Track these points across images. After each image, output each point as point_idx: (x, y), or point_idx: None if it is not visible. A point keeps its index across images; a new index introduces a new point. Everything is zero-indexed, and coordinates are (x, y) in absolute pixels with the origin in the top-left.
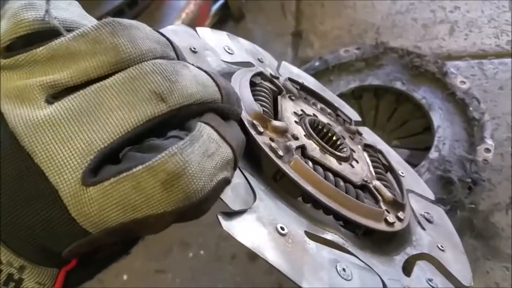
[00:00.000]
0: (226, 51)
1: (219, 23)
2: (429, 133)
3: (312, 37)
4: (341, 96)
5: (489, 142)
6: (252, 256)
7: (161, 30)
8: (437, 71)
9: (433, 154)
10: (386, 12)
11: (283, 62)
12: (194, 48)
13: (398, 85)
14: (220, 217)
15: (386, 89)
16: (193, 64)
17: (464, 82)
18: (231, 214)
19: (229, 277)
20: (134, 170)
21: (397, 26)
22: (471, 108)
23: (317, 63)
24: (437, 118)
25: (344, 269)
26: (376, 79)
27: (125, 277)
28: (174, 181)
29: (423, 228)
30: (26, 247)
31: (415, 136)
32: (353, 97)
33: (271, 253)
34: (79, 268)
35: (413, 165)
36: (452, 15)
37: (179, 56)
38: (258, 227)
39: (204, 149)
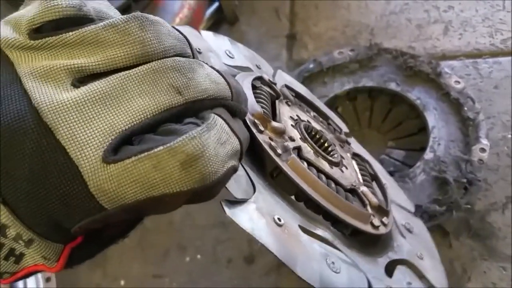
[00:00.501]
0: (227, 55)
1: (213, 26)
2: (424, 134)
3: (306, 39)
4: (336, 98)
5: (484, 142)
6: (249, 260)
7: None
8: (431, 72)
9: (428, 154)
10: (380, 13)
11: (279, 70)
12: (199, 49)
13: (393, 86)
14: (224, 204)
15: (380, 90)
16: (206, 63)
17: (459, 82)
18: (233, 203)
19: (226, 281)
20: (156, 150)
21: (391, 26)
22: (465, 108)
23: (311, 65)
24: (432, 118)
25: (333, 263)
26: (370, 80)
27: (122, 282)
28: (192, 162)
29: (404, 237)
30: (38, 221)
31: (410, 136)
32: (347, 98)
33: (269, 240)
34: (83, 246)
35: (409, 166)
36: (446, 15)
37: (193, 53)
38: (258, 216)
39: (218, 137)
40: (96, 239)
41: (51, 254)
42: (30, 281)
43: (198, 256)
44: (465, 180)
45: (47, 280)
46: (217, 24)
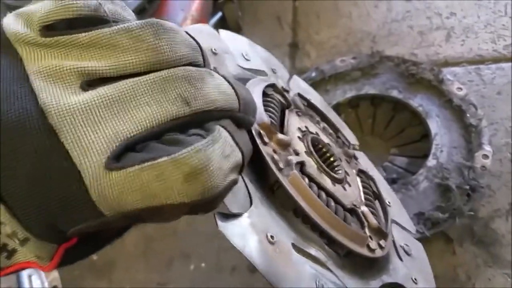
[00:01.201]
0: (244, 57)
1: None
2: (427, 141)
3: (308, 47)
4: (338, 105)
5: (487, 148)
6: (253, 268)
7: (189, 29)
8: (433, 79)
9: (431, 161)
10: (382, 21)
11: (294, 76)
12: (214, 50)
13: (395, 93)
14: (217, 218)
15: (382, 98)
16: (218, 72)
17: (461, 89)
18: (227, 216)
19: None
20: (160, 160)
21: (393, 34)
22: (468, 115)
23: (313, 74)
24: (434, 125)
25: (322, 285)
26: (372, 88)
27: None
28: (196, 175)
29: (401, 259)
30: (35, 222)
31: (413, 143)
32: (350, 106)
33: (258, 258)
34: (77, 247)
35: (412, 173)
36: (448, 21)
37: (205, 61)
38: (250, 232)
39: (222, 150)
40: (92, 241)
41: (45, 254)
42: (36, 283)
43: (202, 264)
44: (468, 187)
45: None
46: None
